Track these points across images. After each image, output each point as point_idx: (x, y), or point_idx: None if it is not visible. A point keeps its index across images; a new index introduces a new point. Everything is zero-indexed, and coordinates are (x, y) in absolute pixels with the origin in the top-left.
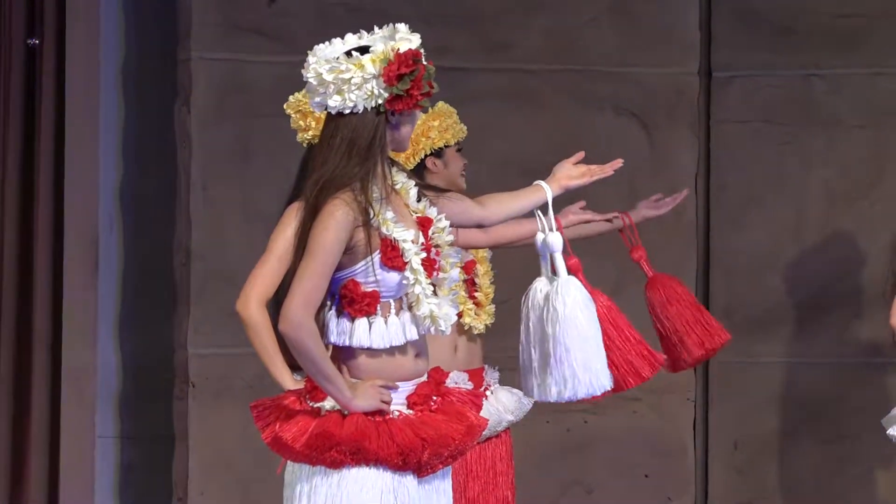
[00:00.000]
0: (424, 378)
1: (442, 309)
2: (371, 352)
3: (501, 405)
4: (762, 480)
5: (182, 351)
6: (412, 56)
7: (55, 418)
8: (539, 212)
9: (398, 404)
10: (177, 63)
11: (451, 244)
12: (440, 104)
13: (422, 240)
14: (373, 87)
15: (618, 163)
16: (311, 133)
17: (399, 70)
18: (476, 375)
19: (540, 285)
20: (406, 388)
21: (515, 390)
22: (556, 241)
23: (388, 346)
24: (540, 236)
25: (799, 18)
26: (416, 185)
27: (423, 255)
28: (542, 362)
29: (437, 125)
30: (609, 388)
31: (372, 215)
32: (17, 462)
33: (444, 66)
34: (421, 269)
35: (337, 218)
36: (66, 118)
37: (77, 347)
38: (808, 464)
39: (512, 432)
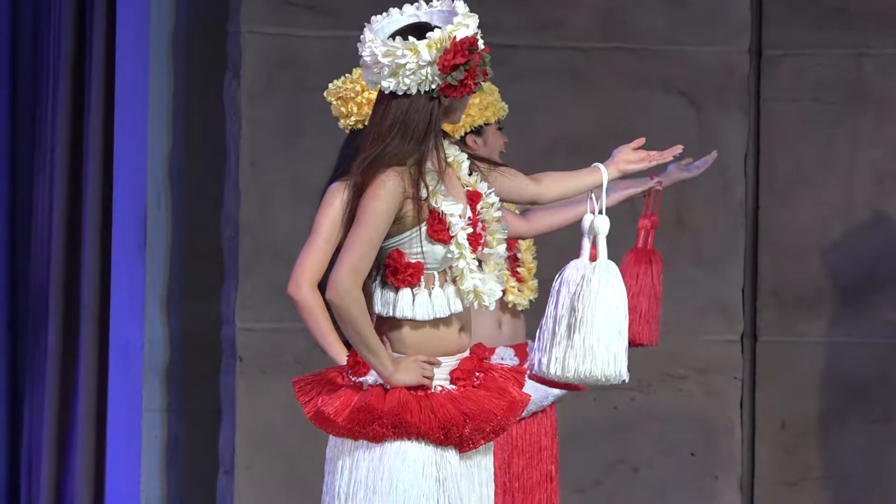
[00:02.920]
0: (467, 353)
1: (486, 284)
2: (415, 323)
3: None
4: (809, 460)
5: (230, 325)
6: (468, 45)
7: (102, 392)
8: (592, 193)
9: (441, 379)
10: (226, 37)
11: (499, 220)
12: None
13: (469, 214)
14: (427, 73)
15: (677, 149)
16: (353, 119)
17: (455, 60)
18: (521, 351)
19: (578, 264)
20: (449, 363)
21: None
22: (602, 224)
23: (431, 318)
24: (588, 217)
25: None
26: (468, 158)
27: (470, 229)
28: (565, 337)
29: (478, 103)
30: (624, 380)
31: (425, 193)
32: (64, 435)
33: (494, 44)
34: (466, 243)
35: (388, 188)
36: (116, 92)
37: (125, 321)
38: (854, 444)
39: (558, 410)
